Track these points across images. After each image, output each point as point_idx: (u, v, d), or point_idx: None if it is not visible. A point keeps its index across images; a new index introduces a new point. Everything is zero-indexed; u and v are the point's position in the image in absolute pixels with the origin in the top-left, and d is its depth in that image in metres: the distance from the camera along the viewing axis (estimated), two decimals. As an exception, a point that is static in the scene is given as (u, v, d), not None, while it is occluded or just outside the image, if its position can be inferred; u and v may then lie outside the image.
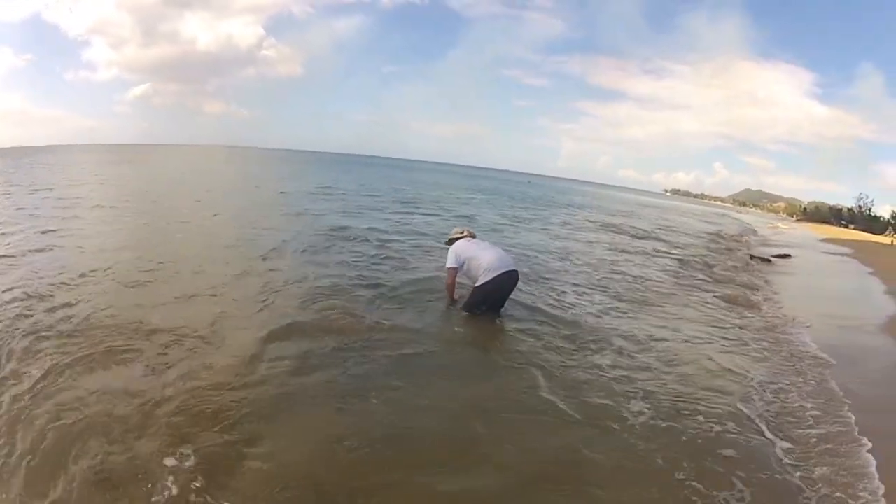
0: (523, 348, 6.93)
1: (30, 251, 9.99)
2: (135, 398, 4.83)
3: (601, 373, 6.42)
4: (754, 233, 38.16)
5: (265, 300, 7.96)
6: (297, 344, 6.32)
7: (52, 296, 7.45)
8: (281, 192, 27.24)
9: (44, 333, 6.13)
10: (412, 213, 22.18)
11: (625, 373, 6.51)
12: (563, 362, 6.62)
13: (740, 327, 9.46)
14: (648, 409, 5.61)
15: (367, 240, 13.72)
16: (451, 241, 8.07)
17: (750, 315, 10.51)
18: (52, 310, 6.89)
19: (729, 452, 4.90)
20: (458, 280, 7.93)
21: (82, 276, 8.57)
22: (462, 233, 8.13)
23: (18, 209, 15.24)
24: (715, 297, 11.76)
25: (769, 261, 20.36)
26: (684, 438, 5.07)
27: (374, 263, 11.00)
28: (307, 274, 9.57)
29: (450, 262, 7.72)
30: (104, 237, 12.00)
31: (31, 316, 6.61)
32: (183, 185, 30.53)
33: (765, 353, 8.12)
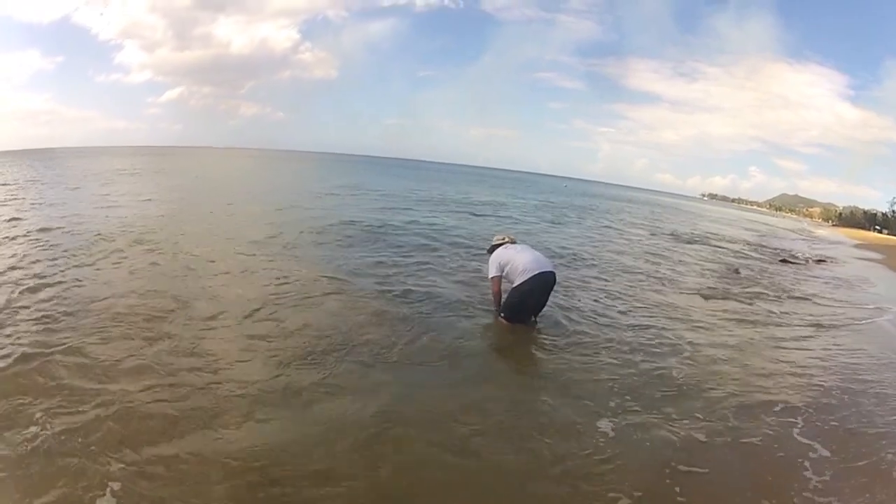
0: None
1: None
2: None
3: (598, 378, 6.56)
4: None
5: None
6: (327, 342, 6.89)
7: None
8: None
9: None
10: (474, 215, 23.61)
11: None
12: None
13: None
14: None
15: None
16: (492, 249, 8.06)
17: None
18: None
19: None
20: (503, 287, 7.84)
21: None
22: (503, 239, 8.11)
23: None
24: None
25: (804, 262, 20.76)
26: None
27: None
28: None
29: (492, 272, 7.76)
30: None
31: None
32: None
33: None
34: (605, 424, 5.40)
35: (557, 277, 7.94)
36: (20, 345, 5.96)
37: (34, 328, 6.55)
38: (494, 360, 6.95)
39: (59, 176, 28.60)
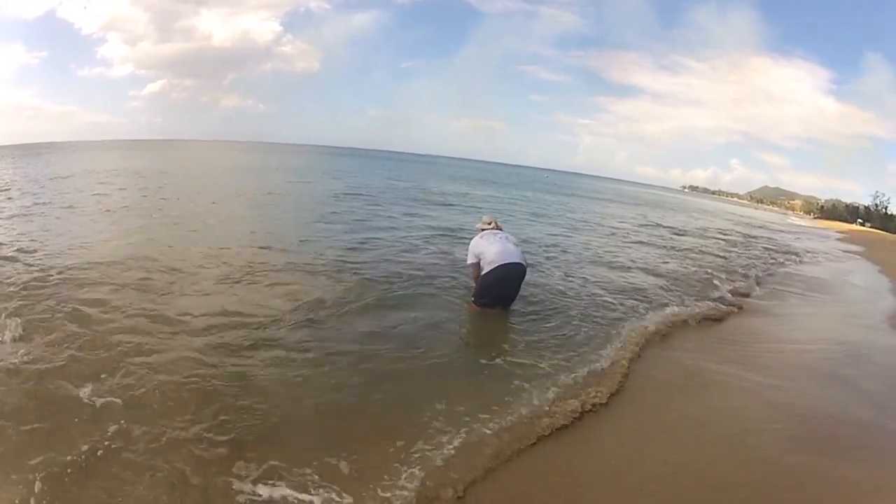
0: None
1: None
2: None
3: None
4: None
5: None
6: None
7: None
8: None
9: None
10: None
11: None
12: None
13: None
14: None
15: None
16: (480, 230, 8.32)
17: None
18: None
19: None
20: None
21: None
22: (490, 224, 8.32)
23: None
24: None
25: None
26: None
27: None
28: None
29: (469, 259, 8.02)
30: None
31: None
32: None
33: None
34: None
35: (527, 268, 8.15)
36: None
37: None
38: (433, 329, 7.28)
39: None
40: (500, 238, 8.01)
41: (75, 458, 3.92)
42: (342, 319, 7.18)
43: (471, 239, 8.38)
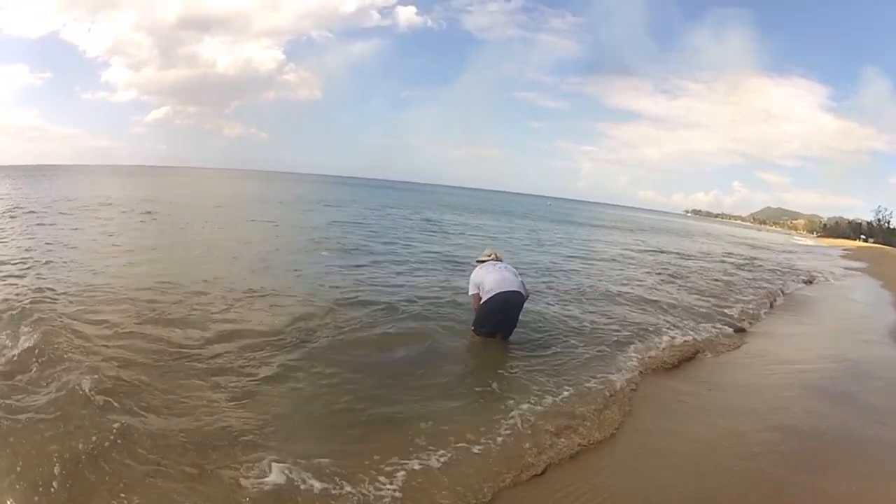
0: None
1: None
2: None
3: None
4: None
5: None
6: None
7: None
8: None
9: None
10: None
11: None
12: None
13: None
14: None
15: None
16: (479, 262, 8.45)
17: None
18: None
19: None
20: None
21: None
22: (490, 255, 8.46)
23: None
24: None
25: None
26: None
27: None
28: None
29: (470, 290, 8.12)
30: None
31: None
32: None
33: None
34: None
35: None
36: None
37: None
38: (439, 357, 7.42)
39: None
40: (499, 268, 8.15)
41: (89, 449, 4.25)
42: (340, 343, 7.38)
43: (471, 270, 8.56)
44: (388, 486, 4.21)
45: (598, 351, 8.12)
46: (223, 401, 5.40)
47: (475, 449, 4.87)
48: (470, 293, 8.18)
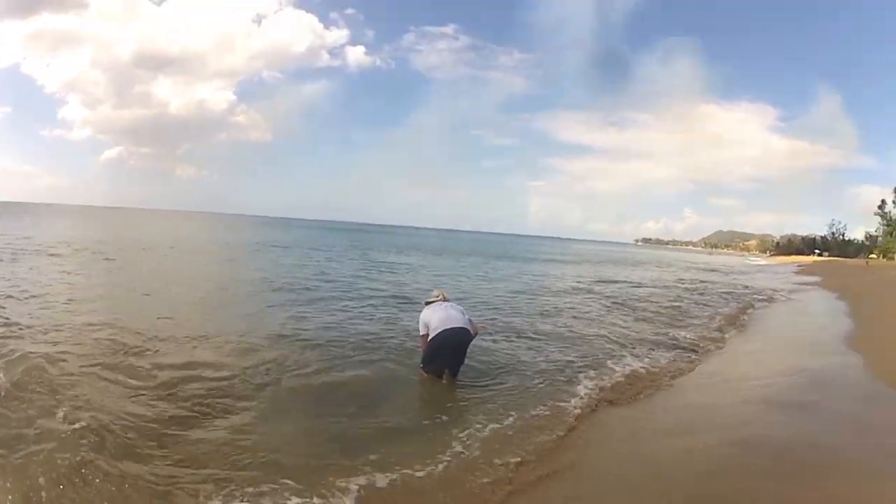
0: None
1: None
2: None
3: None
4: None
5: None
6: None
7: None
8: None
9: None
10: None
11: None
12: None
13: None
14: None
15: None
16: (427, 303, 8.80)
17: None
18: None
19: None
20: None
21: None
22: (438, 297, 8.82)
23: None
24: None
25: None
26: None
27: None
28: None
29: (420, 330, 8.46)
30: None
31: None
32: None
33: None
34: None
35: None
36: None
37: None
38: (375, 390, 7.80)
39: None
40: (445, 307, 8.50)
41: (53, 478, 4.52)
42: (291, 383, 7.63)
43: (420, 310, 8.89)
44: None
45: (549, 382, 8.34)
46: (180, 433, 5.67)
47: (419, 474, 5.10)
48: (420, 333, 8.49)
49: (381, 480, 4.91)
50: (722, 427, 6.60)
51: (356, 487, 4.76)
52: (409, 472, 5.08)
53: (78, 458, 4.77)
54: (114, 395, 6.56)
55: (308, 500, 4.56)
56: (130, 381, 7.04)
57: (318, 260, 30.17)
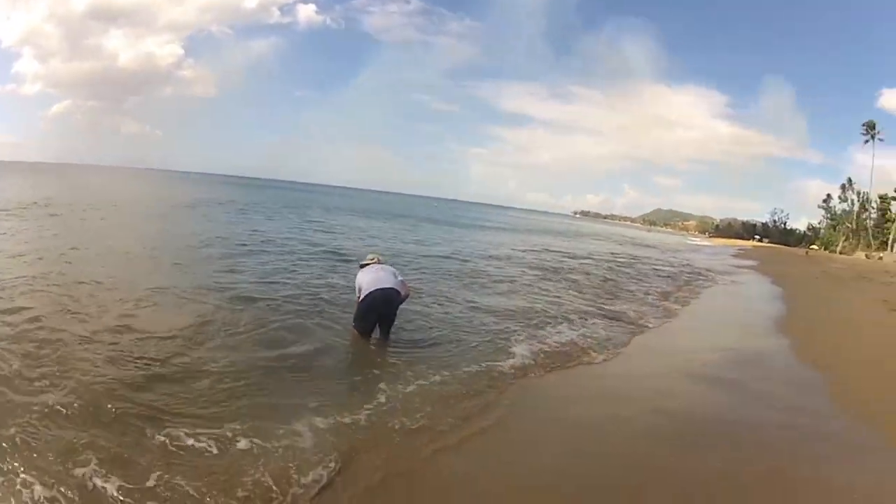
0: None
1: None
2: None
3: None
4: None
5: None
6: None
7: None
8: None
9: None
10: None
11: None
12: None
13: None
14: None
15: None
16: (362, 266, 9.18)
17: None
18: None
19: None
20: None
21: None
22: (373, 259, 9.17)
23: None
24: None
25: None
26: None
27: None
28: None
29: (356, 293, 8.82)
30: None
31: None
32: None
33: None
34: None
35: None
36: None
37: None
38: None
39: None
40: (376, 269, 8.94)
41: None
42: (228, 339, 7.92)
43: (355, 272, 9.34)
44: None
45: (482, 345, 8.76)
46: (124, 381, 5.99)
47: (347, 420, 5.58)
48: (357, 296, 8.86)
49: (322, 423, 5.35)
50: (644, 398, 7.05)
51: (303, 429, 5.24)
52: (341, 419, 5.50)
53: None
54: (59, 352, 6.62)
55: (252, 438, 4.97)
56: (73, 337, 7.13)
57: (255, 217, 30.26)
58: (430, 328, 9.45)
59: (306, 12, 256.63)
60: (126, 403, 5.43)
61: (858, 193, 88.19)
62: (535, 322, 10.39)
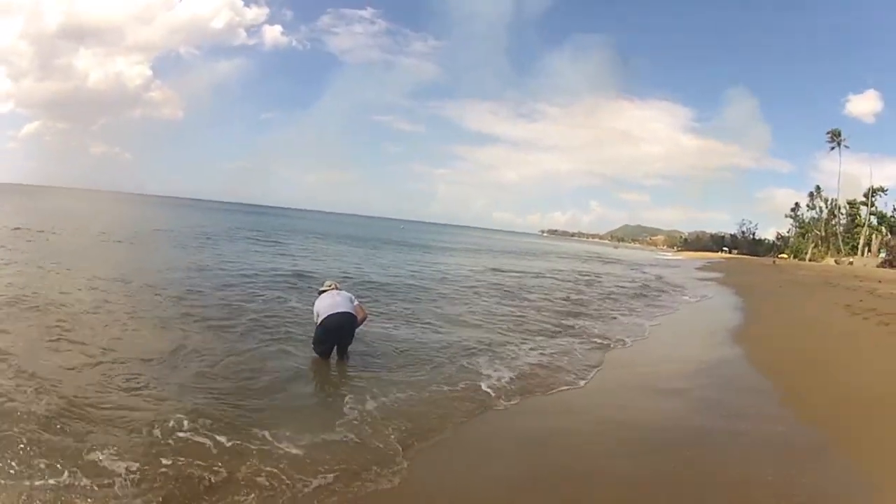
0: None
1: None
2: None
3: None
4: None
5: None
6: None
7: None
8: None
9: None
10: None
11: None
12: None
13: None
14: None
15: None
16: (320, 292, 9.68)
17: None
18: None
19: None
20: None
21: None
22: (330, 286, 9.73)
23: None
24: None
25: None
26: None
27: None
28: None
29: (315, 318, 9.26)
30: None
31: None
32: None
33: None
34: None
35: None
36: None
37: None
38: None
39: None
40: (333, 294, 9.49)
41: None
42: (193, 363, 8.20)
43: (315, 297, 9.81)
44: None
45: (440, 365, 9.12)
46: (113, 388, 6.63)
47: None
48: (315, 321, 9.29)
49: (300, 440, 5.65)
50: (598, 409, 7.47)
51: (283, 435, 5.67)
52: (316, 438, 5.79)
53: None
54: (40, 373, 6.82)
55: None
56: (53, 362, 7.34)
57: (221, 243, 30.45)
58: (394, 350, 9.77)
59: (272, 33, 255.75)
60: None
61: (826, 200, 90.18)
62: (495, 340, 10.73)
